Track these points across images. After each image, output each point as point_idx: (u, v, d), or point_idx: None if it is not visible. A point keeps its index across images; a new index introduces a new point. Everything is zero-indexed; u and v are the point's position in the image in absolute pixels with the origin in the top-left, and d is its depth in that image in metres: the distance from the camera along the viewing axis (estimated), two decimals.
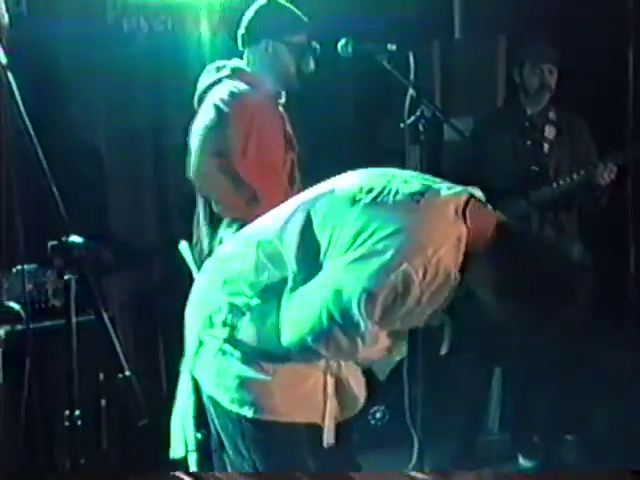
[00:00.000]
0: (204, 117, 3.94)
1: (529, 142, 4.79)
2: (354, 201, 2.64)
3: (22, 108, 2.47)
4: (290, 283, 2.68)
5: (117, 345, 2.37)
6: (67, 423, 2.53)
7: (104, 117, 4.63)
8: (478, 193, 2.72)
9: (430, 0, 5.32)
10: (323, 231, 2.64)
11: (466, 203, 2.63)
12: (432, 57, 5.13)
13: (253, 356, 2.74)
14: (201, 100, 4.03)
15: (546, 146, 4.78)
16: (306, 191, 2.84)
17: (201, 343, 2.83)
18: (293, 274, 2.68)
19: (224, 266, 2.88)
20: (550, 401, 4.86)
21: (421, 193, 2.62)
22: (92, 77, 4.54)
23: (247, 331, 2.73)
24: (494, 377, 5.15)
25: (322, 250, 2.64)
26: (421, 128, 3.61)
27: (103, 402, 4.05)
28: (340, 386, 2.90)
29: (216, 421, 2.87)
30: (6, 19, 2.62)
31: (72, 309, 2.40)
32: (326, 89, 4.29)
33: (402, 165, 3.59)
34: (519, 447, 5.03)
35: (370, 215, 2.59)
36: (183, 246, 3.96)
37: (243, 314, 2.73)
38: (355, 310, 2.54)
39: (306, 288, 2.64)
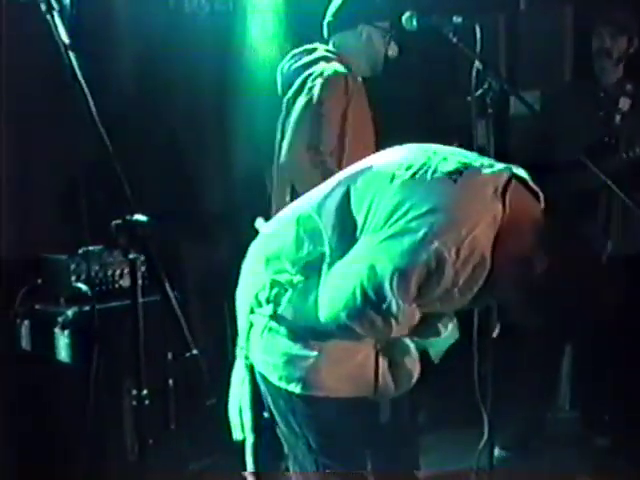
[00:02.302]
0: (300, 108, 3.96)
1: (602, 112, 4.71)
2: (393, 178, 2.60)
3: (85, 89, 2.47)
4: (328, 259, 2.66)
5: (183, 324, 2.37)
6: (135, 403, 2.52)
7: (167, 98, 4.62)
8: (521, 172, 2.65)
9: None
10: (360, 207, 2.61)
11: (507, 183, 2.56)
12: (497, 29, 5.05)
13: (299, 332, 2.72)
14: (291, 84, 4.05)
15: (618, 117, 4.69)
16: (349, 167, 2.81)
17: (251, 324, 2.82)
18: (330, 250, 2.65)
19: (267, 245, 2.87)
20: (621, 379, 4.79)
21: (459, 172, 2.57)
22: (154, 58, 4.53)
23: (290, 307, 2.71)
24: (565, 355, 5.09)
25: (359, 226, 2.61)
26: (488, 101, 3.55)
27: (171, 382, 4.07)
28: (393, 361, 2.86)
29: (269, 399, 2.86)
30: (68, 0, 2.61)
31: (138, 288, 2.39)
32: (390, 63, 4.24)
33: (469, 139, 3.53)
34: (590, 425, 4.97)
35: (406, 192, 2.56)
36: (260, 223, 3.96)
37: (286, 291, 2.72)
38: (387, 288, 2.51)
39: (341, 264, 2.62)
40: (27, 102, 4.27)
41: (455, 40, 3.55)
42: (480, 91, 3.54)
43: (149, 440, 2.53)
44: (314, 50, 4.12)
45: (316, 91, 3.95)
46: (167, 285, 2.36)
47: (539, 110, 4.54)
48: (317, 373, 2.73)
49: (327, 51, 4.13)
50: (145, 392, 2.47)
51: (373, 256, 2.54)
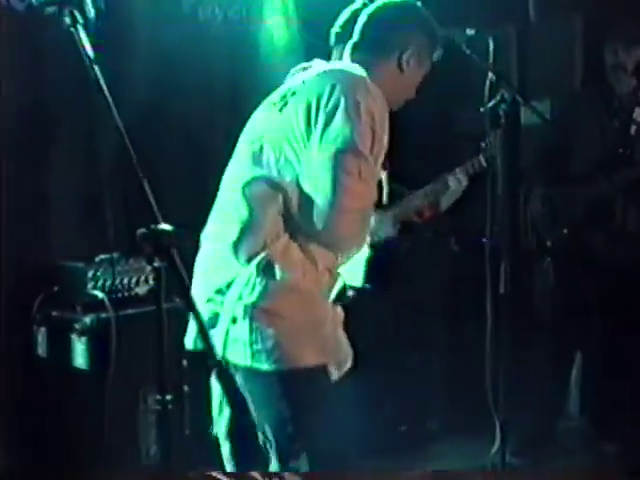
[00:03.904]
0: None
1: (616, 123, 4.74)
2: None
3: (110, 101, 2.52)
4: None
5: (207, 330, 2.42)
6: (158, 407, 2.56)
7: (182, 105, 4.67)
8: None
9: None
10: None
11: None
12: (508, 40, 5.09)
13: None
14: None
15: (633, 128, 4.72)
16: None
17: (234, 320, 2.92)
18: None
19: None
20: (631, 386, 4.82)
21: None
22: (169, 66, 4.58)
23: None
24: (575, 362, 5.12)
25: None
26: (501, 112, 3.60)
27: (186, 388, 4.11)
28: None
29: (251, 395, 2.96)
30: (92, 13, 2.64)
31: (162, 296, 2.44)
32: None
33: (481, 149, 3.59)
34: (599, 433, 5.00)
35: None
36: None
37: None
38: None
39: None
40: (48, 110, 4.33)
41: (468, 52, 3.60)
42: (493, 102, 3.60)
43: (171, 445, 2.57)
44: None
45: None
46: (190, 292, 2.42)
47: (551, 119, 4.58)
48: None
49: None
50: (169, 397, 2.52)
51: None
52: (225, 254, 2.97)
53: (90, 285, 4.08)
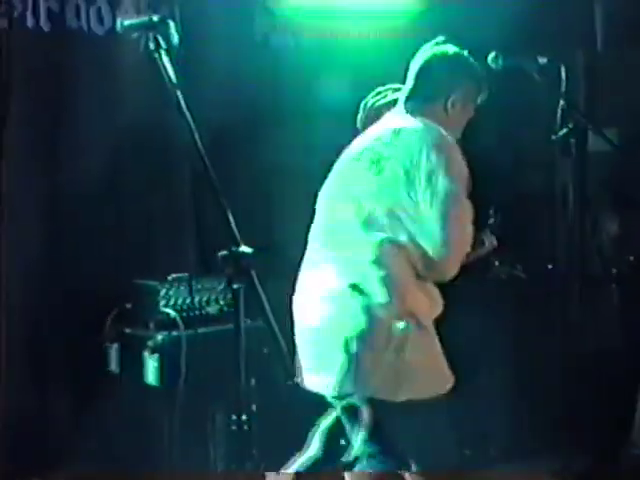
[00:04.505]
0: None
1: None
2: None
3: (192, 125, 2.59)
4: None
5: (285, 351, 2.48)
6: (234, 427, 2.62)
7: (258, 130, 4.74)
8: None
9: (570, 11, 5.28)
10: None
11: None
12: (577, 68, 5.09)
13: None
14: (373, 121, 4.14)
15: None
16: None
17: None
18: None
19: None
20: None
21: None
22: (244, 93, 4.67)
23: None
24: None
25: None
26: (572, 140, 3.62)
27: (254, 407, 4.16)
28: None
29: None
30: (176, 39, 2.71)
31: (241, 317, 2.50)
32: None
33: (552, 178, 3.63)
34: None
35: None
36: None
37: None
38: None
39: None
40: (127, 133, 4.42)
41: (540, 80, 3.63)
42: (564, 130, 3.62)
43: (245, 464, 2.63)
44: (399, 89, 4.19)
45: None
46: (270, 315, 2.48)
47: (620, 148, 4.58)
48: None
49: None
50: (245, 417, 2.58)
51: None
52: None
53: (163, 303, 4.16)
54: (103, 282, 4.31)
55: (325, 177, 3.48)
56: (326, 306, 3.25)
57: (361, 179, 3.31)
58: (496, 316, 4.96)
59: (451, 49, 3.45)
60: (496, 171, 4.81)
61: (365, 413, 3.19)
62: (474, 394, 4.85)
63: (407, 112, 3.42)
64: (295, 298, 3.39)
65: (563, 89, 3.63)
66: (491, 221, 3.69)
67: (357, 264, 3.22)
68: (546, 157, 3.73)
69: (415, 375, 3.20)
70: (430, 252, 3.20)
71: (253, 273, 2.43)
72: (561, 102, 3.61)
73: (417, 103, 3.43)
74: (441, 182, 3.17)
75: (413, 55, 3.44)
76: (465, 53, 3.47)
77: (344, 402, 3.26)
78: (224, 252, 2.45)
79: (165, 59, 2.64)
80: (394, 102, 4.08)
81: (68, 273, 4.28)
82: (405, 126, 3.33)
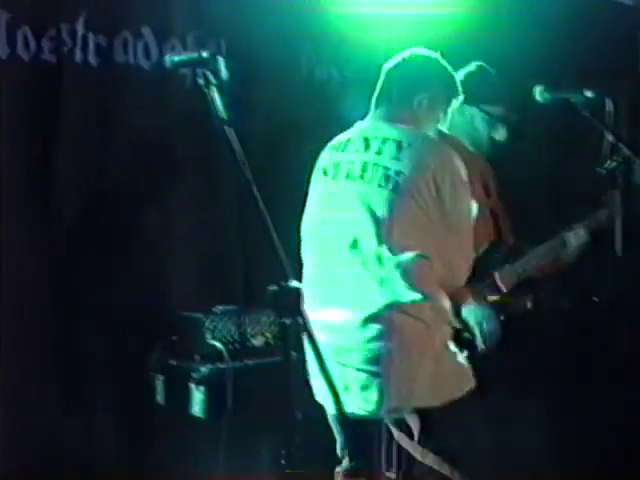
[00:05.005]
0: None
1: None
2: None
3: (243, 161, 2.61)
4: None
5: (334, 384, 2.49)
6: (283, 462, 2.62)
7: (305, 164, 4.77)
8: None
9: (616, 44, 5.28)
10: None
11: None
12: (621, 100, 5.08)
13: None
14: None
15: None
16: None
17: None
18: None
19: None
20: None
21: None
22: (289, 127, 4.71)
23: None
24: None
25: None
26: (619, 174, 3.62)
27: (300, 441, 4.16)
28: None
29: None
30: (226, 75, 2.73)
31: (290, 351, 2.50)
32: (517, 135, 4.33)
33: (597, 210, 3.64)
34: None
35: None
36: None
37: None
38: None
39: None
40: (175, 167, 4.47)
41: (587, 113, 3.64)
42: (611, 164, 3.62)
43: None
44: None
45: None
46: (320, 348, 2.48)
47: None
48: None
49: None
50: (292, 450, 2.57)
51: None
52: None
53: (209, 335, 4.18)
54: (150, 314, 4.35)
55: None
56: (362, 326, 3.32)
57: (369, 194, 3.39)
58: (539, 348, 4.93)
59: (422, 52, 3.56)
60: (542, 203, 4.83)
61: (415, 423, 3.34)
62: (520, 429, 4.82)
63: (380, 118, 3.51)
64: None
65: (609, 122, 3.62)
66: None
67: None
68: (593, 190, 3.72)
69: (449, 377, 3.36)
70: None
71: (303, 308, 2.45)
72: (607, 135, 3.60)
73: (388, 106, 3.53)
74: (457, 195, 3.38)
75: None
76: (436, 56, 3.57)
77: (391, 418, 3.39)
78: (274, 287, 2.46)
79: (215, 95, 2.66)
80: None
81: (115, 304, 4.30)
82: (416, 142, 3.42)
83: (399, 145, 3.39)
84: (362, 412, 3.33)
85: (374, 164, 3.40)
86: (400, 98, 3.53)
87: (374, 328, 3.31)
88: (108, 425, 4.35)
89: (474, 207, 3.46)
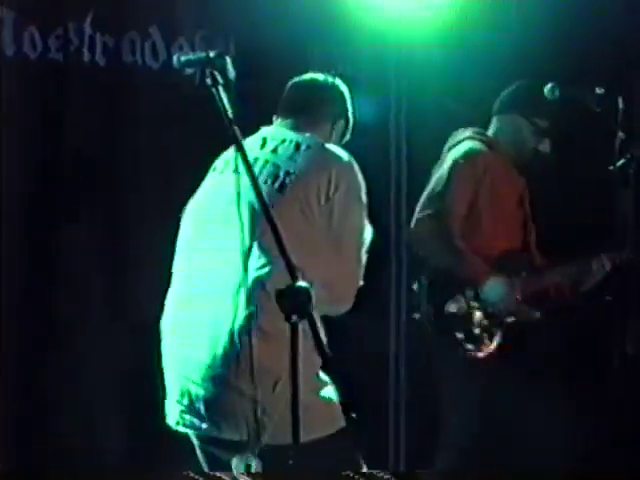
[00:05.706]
0: (433, 179, 4.22)
1: None
2: None
3: (249, 159, 2.60)
4: None
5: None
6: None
7: None
8: None
9: (626, 41, 5.24)
10: None
11: None
12: (634, 98, 5.05)
13: None
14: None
15: None
16: None
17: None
18: None
19: None
20: None
21: None
22: None
23: None
24: None
25: None
26: (630, 171, 3.60)
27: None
28: None
29: None
30: (233, 75, 2.72)
31: (298, 353, 2.47)
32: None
33: (611, 209, 3.60)
34: None
35: None
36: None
37: None
38: None
39: None
40: (183, 168, 4.44)
41: (598, 110, 3.62)
42: (623, 161, 3.60)
43: None
44: (465, 131, 4.34)
45: (446, 169, 4.21)
46: (327, 349, 2.47)
47: None
48: None
49: (476, 131, 4.33)
50: None
51: None
52: None
53: None
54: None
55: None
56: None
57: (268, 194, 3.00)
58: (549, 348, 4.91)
59: (322, 75, 3.51)
60: (553, 201, 4.78)
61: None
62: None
63: (284, 125, 3.37)
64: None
65: (620, 119, 3.61)
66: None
67: None
68: (605, 188, 3.70)
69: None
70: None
71: (311, 309, 2.43)
72: (619, 133, 3.58)
73: (294, 117, 3.37)
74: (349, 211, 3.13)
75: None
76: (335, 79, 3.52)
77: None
78: (281, 287, 2.45)
79: (222, 94, 2.65)
80: (459, 142, 4.16)
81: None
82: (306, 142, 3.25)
83: (297, 146, 3.20)
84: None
85: (265, 160, 3.19)
86: (304, 110, 3.41)
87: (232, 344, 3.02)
88: (108, 425, 4.34)
89: (368, 231, 3.17)
